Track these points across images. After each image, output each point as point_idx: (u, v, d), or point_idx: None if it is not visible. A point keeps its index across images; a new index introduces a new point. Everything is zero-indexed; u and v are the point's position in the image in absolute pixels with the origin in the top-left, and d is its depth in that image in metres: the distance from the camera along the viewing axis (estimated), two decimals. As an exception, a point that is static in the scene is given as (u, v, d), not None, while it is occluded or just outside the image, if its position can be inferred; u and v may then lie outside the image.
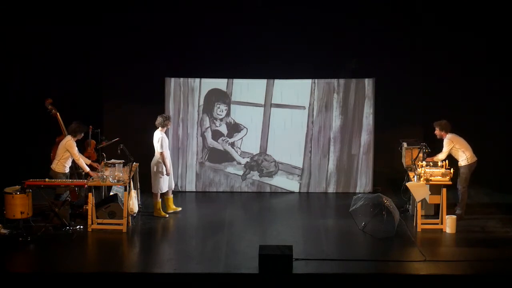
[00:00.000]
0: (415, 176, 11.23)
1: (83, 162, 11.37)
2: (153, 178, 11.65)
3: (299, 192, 13.09)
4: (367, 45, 13.06)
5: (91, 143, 12.09)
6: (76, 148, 11.35)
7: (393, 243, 10.54)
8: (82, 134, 11.57)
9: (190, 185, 13.13)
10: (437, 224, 11.08)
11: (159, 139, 11.53)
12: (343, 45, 13.01)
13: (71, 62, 13.19)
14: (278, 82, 12.97)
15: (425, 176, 11.08)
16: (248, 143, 13.03)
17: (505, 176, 13.08)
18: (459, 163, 11.50)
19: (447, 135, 11.51)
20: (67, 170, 11.41)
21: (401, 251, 10.31)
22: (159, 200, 11.72)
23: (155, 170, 11.60)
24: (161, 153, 11.54)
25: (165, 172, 11.59)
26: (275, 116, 13.03)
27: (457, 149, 11.46)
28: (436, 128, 11.60)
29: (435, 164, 11.40)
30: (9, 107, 13.27)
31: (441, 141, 11.60)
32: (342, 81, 13.01)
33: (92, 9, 12.98)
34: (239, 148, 13.07)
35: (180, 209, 12.00)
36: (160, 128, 11.62)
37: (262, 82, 12.99)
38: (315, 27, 13.00)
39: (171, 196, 11.92)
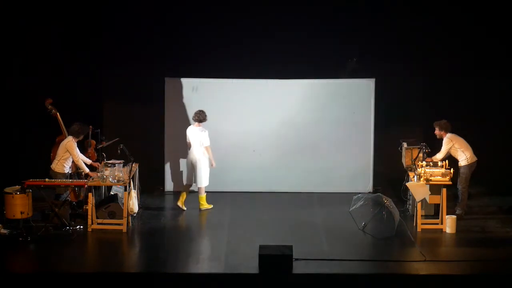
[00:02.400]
0: (415, 176, 11.23)
1: (82, 163, 11.37)
2: (199, 172, 11.98)
3: (299, 192, 13.08)
4: (367, 45, 13.06)
5: (91, 143, 12.09)
6: (77, 149, 11.36)
7: (393, 243, 10.54)
8: (84, 135, 11.58)
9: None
10: (437, 224, 11.08)
11: (206, 133, 11.88)
12: (343, 45, 13.01)
13: (71, 62, 13.19)
14: (278, 82, 12.97)
15: (425, 176, 11.08)
16: (247, 143, 13.01)
17: (505, 176, 13.08)
18: (459, 163, 11.50)
19: (447, 135, 11.51)
20: (66, 170, 11.42)
21: (401, 251, 10.31)
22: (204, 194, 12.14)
23: (201, 164, 11.94)
24: (208, 147, 11.91)
25: (213, 165, 12.08)
26: (275, 116, 13.02)
27: (457, 148, 11.46)
28: (436, 128, 11.60)
29: (435, 164, 11.39)
30: (9, 107, 13.27)
31: (441, 141, 11.60)
32: (342, 81, 13.02)
33: (92, 9, 12.98)
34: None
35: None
36: (197, 123, 11.91)
37: (262, 82, 12.98)
38: (315, 27, 13.01)
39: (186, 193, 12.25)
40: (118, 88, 13.40)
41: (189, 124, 12.90)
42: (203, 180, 12.10)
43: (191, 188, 12.58)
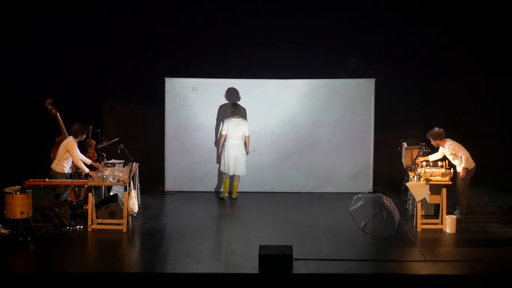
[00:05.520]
0: (415, 176, 11.23)
1: (82, 164, 11.37)
2: (241, 162, 12.61)
3: (299, 192, 13.08)
4: (367, 46, 13.06)
5: (91, 143, 12.09)
6: (77, 150, 11.35)
7: (393, 243, 10.54)
8: (84, 136, 11.57)
9: (191, 185, 13.13)
10: (437, 224, 11.08)
11: (247, 123, 12.56)
12: (343, 45, 13.01)
13: (71, 62, 13.19)
14: (278, 82, 12.97)
15: (425, 176, 11.08)
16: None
17: (505, 176, 13.07)
18: (457, 168, 11.34)
19: (447, 141, 11.24)
20: (67, 170, 11.42)
21: (401, 251, 10.32)
22: None
23: (242, 154, 12.59)
24: (248, 136, 12.60)
25: (248, 152, 12.71)
26: (275, 116, 13.03)
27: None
28: (430, 139, 11.34)
29: (435, 164, 11.38)
30: (9, 107, 13.27)
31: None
32: (342, 81, 13.02)
33: (92, 9, 12.98)
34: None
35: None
36: (237, 116, 12.43)
37: (262, 82, 12.98)
38: (316, 27, 13.01)
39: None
40: (118, 88, 13.39)
41: (188, 124, 12.95)
42: (245, 169, 12.65)
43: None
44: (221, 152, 12.63)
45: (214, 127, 12.96)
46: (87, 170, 11.38)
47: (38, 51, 13.21)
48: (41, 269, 9.68)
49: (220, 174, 12.94)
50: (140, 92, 13.28)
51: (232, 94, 12.89)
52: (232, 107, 12.52)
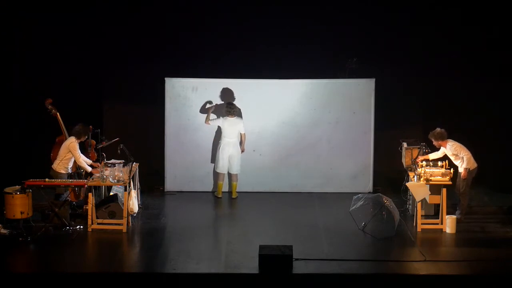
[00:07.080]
0: (415, 176, 11.23)
1: (85, 164, 11.37)
2: (237, 160, 12.68)
3: (299, 192, 13.08)
4: (367, 46, 13.07)
5: (91, 143, 12.09)
6: (79, 150, 11.35)
7: (393, 243, 10.54)
8: (86, 137, 11.56)
9: (191, 185, 13.13)
10: (437, 224, 11.08)
11: (242, 121, 12.60)
12: (343, 45, 13.01)
13: (71, 62, 13.20)
14: (278, 82, 12.97)
15: (425, 176, 11.07)
16: (248, 143, 12.97)
17: (505, 176, 13.07)
18: (458, 168, 11.35)
19: (449, 142, 11.24)
20: (68, 170, 11.42)
21: (401, 251, 10.32)
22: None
23: (237, 152, 12.64)
24: (244, 134, 12.63)
25: (244, 150, 12.74)
26: (275, 116, 13.02)
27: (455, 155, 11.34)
28: (432, 140, 11.36)
29: (435, 164, 11.38)
30: (9, 107, 13.27)
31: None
32: (342, 81, 13.02)
33: (92, 9, 12.98)
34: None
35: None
36: (232, 115, 12.48)
37: (262, 82, 12.98)
38: (315, 27, 13.01)
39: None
40: (118, 88, 13.40)
41: (188, 124, 12.95)
42: (239, 167, 12.70)
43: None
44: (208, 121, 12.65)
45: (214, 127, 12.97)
46: (89, 169, 11.37)
47: (38, 51, 13.22)
48: (41, 269, 9.68)
49: (216, 176, 12.93)
50: (140, 92, 13.29)
51: (227, 94, 12.87)
52: (228, 107, 12.52)
